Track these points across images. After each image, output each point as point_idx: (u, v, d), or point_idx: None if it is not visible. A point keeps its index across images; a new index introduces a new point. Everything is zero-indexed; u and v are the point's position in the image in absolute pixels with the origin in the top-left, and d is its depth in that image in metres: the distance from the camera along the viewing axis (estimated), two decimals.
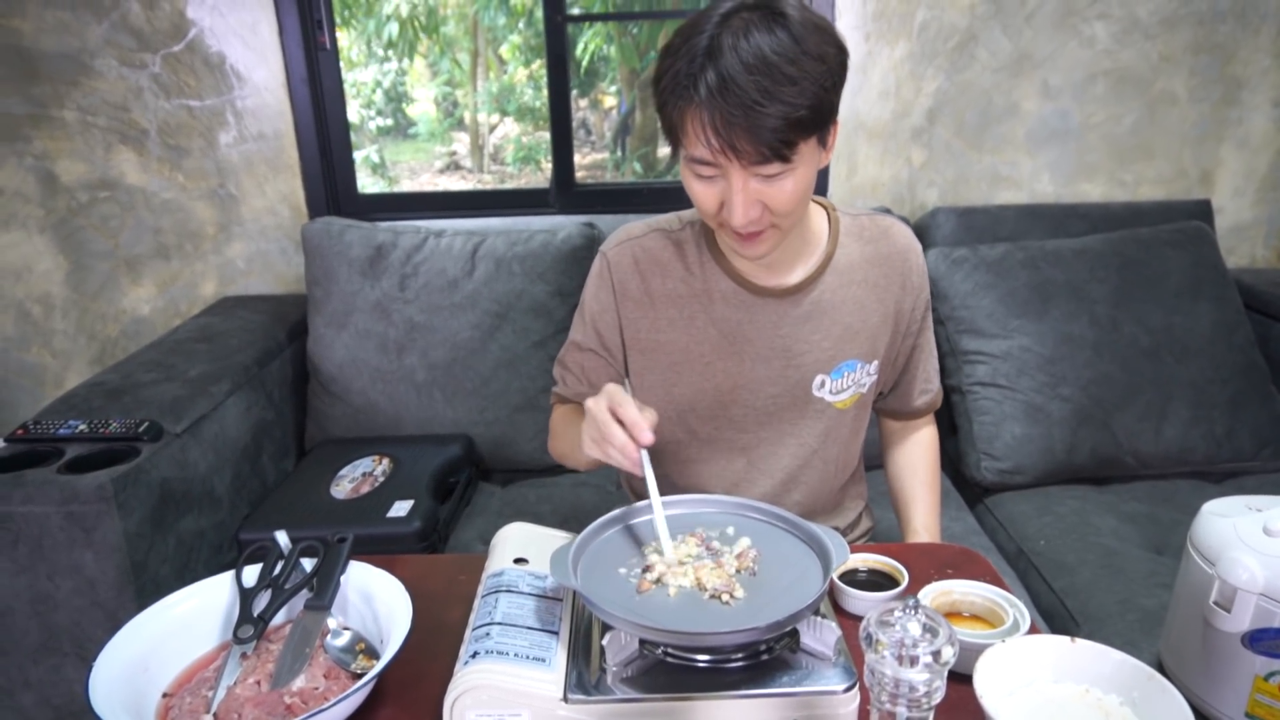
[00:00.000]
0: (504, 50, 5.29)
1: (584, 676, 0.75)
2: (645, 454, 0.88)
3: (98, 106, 2.03)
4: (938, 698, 0.59)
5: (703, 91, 0.88)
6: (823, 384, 1.14)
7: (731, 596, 0.79)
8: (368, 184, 1.99)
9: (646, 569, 0.82)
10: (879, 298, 1.14)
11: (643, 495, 1.13)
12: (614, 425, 0.88)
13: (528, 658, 0.75)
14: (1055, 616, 1.41)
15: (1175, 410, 1.71)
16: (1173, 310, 1.77)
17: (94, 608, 1.30)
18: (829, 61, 0.91)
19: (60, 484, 1.26)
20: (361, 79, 5.04)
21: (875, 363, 1.16)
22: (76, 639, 1.32)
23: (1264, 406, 1.75)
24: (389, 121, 5.59)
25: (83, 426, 1.39)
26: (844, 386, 1.15)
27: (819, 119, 0.92)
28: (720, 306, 1.11)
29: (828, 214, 1.14)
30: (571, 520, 1.01)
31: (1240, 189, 2.18)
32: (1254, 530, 0.97)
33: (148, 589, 1.32)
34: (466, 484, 1.73)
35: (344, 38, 2.10)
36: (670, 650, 0.76)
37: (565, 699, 0.72)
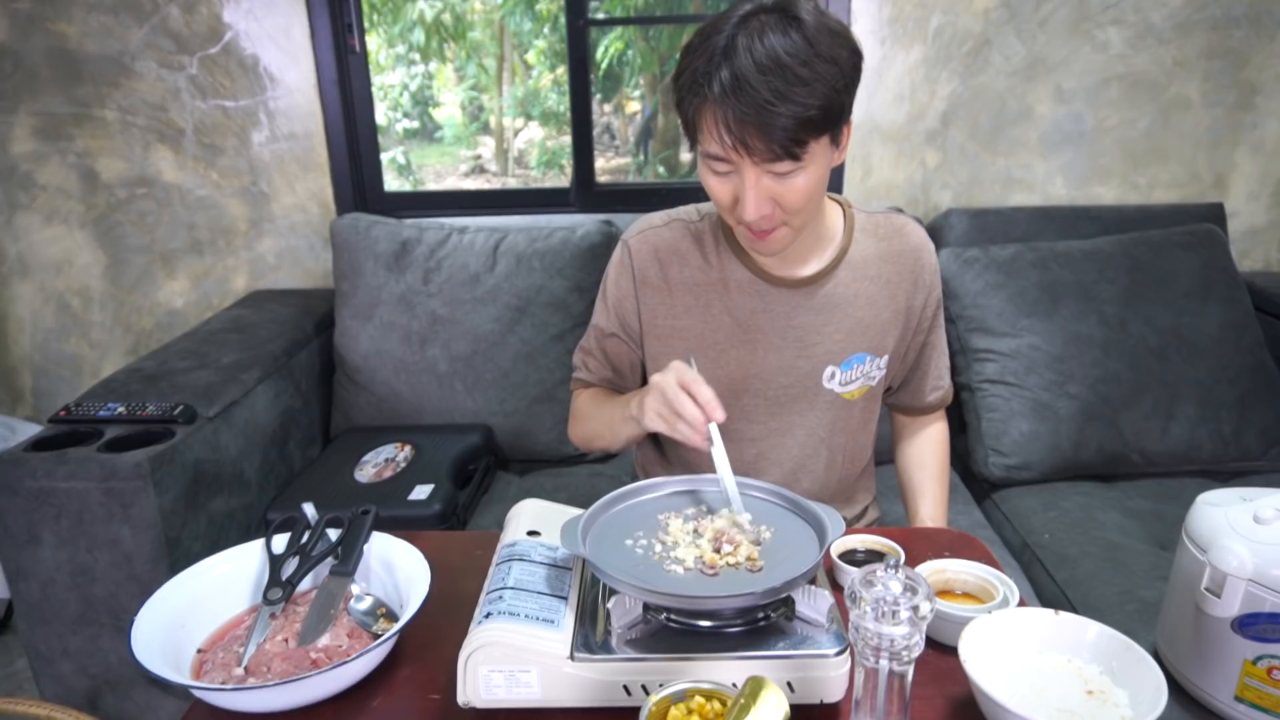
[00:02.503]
0: (530, 55, 5.37)
1: (590, 637, 0.79)
2: (715, 428, 0.92)
3: (137, 106, 2.11)
4: (917, 651, 0.63)
5: (716, 90, 0.93)
6: (833, 375, 1.18)
7: (751, 560, 0.83)
8: (394, 186, 2.05)
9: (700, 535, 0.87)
10: (890, 294, 1.18)
11: (652, 475, 1.18)
12: (686, 399, 0.92)
13: (538, 619, 0.80)
14: (1057, 606, 1.43)
15: (1182, 409, 1.73)
16: (1181, 311, 1.79)
17: (130, 580, 1.36)
18: (841, 64, 0.95)
19: (100, 462, 1.32)
20: (389, 82, 5.14)
21: (885, 357, 1.20)
22: (113, 610, 1.39)
23: (1272, 407, 1.77)
24: (415, 124, 5.69)
25: (121, 409, 1.46)
26: (853, 378, 1.19)
27: (830, 119, 0.95)
28: (736, 295, 1.15)
29: (843, 210, 1.18)
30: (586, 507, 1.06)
31: (1255, 193, 2.19)
32: (1244, 519, 1.00)
33: (180, 563, 1.37)
34: (485, 472, 1.78)
35: (372, 42, 2.17)
36: (673, 615, 0.81)
37: (571, 657, 0.77)
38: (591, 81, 2.19)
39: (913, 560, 0.99)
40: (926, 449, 1.33)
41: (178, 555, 1.38)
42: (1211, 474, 1.76)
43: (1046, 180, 2.17)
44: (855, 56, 0.98)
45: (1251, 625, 0.98)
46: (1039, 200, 2.18)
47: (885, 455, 1.38)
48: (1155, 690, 0.71)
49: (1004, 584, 0.92)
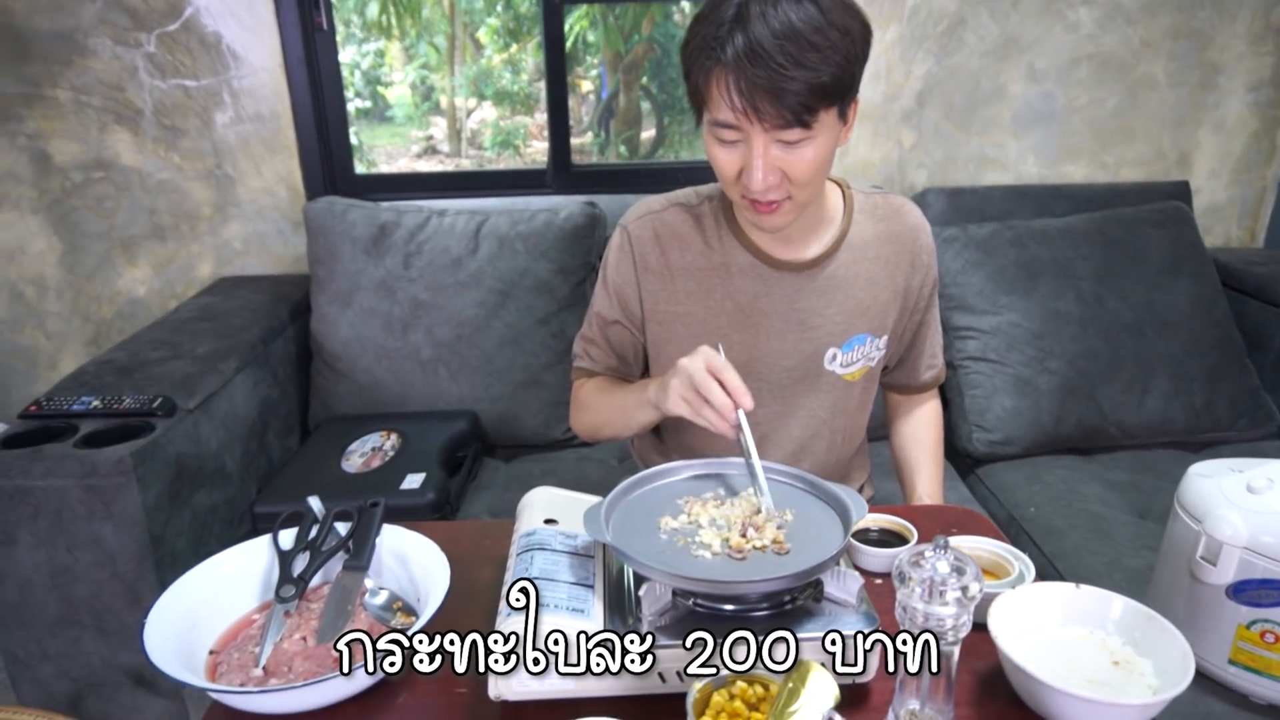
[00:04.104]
0: (481, 34, 5.26)
1: (620, 626, 0.79)
2: (743, 415, 0.92)
3: (92, 86, 2.02)
4: (964, 631, 0.64)
5: (729, 54, 0.92)
6: (834, 357, 1.18)
7: (778, 544, 0.82)
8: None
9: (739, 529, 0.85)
10: (890, 274, 1.18)
11: (651, 464, 1.17)
12: (714, 385, 0.92)
13: (567, 608, 0.79)
14: (1046, 578, 1.46)
15: (1157, 383, 1.78)
16: (1154, 287, 1.84)
17: (113, 580, 1.32)
18: (853, 35, 0.95)
19: (79, 458, 1.27)
20: (340, 60, 4.98)
21: (884, 337, 1.21)
22: (96, 611, 1.34)
23: (1240, 379, 1.83)
24: (366, 104, 5.54)
25: (96, 403, 1.40)
26: (854, 359, 1.19)
27: (841, 89, 0.95)
28: (738, 279, 1.15)
29: (842, 191, 1.18)
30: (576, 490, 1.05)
31: (1216, 171, 2.25)
32: (1238, 489, 1.04)
33: (165, 561, 1.34)
34: (473, 459, 1.76)
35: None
36: (699, 600, 0.81)
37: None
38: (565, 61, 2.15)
39: (924, 538, 1.00)
40: (921, 427, 1.34)
41: (162, 553, 1.34)
42: (1184, 445, 1.81)
43: (1018, 159, 2.20)
44: (865, 30, 0.98)
45: (1245, 591, 1.02)
46: (1011, 179, 2.21)
47: (875, 433, 1.39)
48: (1182, 659, 0.73)
49: (1018, 559, 0.93)
